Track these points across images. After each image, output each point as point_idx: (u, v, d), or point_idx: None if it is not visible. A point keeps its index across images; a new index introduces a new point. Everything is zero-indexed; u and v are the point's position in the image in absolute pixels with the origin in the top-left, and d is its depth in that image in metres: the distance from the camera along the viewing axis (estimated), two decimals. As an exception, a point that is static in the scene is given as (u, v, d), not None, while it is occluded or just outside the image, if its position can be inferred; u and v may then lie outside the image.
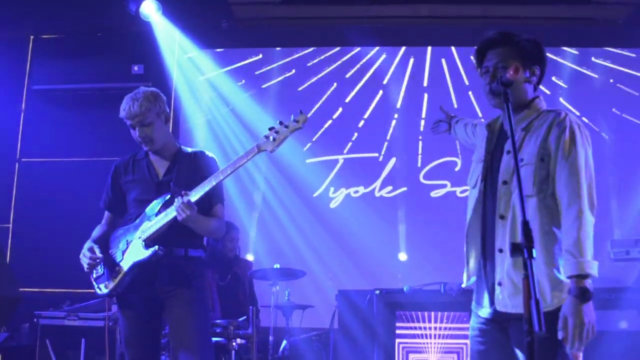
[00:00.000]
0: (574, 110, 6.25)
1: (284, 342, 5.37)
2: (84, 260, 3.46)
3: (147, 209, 3.44)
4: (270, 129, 3.28)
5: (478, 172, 2.77)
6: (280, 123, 3.28)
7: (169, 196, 3.40)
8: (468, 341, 2.82)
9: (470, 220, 2.75)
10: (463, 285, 2.85)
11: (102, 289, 3.48)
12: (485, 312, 2.69)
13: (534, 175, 2.57)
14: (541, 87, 2.83)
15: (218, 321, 5.01)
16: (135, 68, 7.02)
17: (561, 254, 2.51)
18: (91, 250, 3.46)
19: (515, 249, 2.04)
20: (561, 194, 2.54)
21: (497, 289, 2.58)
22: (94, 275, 3.56)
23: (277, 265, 5.40)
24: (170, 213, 3.30)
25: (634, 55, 6.72)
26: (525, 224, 2.06)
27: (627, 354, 4.58)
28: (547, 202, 2.57)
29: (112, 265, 3.47)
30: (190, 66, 7.16)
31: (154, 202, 3.43)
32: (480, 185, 2.73)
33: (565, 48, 6.81)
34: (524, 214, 2.10)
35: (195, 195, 3.27)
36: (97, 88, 7.00)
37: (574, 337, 2.37)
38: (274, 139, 3.26)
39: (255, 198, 6.79)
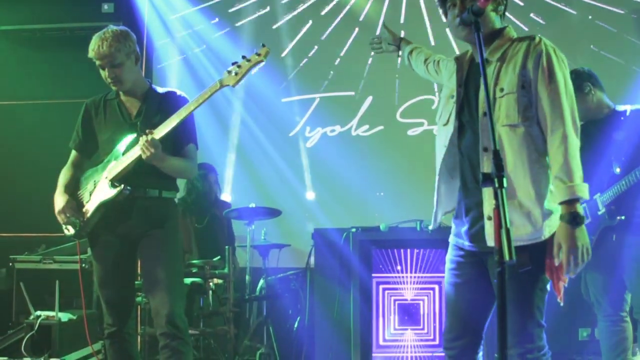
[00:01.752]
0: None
1: (261, 282, 5.39)
2: (62, 217, 3.41)
3: (114, 149, 3.40)
4: (233, 63, 3.24)
5: (450, 108, 2.73)
6: (243, 57, 3.24)
7: (135, 135, 3.34)
8: (445, 276, 2.80)
9: (444, 158, 2.72)
10: (431, 228, 2.85)
11: (70, 230, 3.44)
12: (466, 245, 2.69)
13: (517, 103, 2.54)
14: (519, 23, 2.79)
15: (194, 261, 5.01)
16: (105, 7, 6.86)
17: (549, 183, 2.51)
18: (71, 208, 3.41)
19: (486, 179, 2.02)
20: (543, 120, 2.52)
21: (487, 223, 2.54)
22: None
23: (252, 205, 5.36)
24: (136, 152, 3.25)
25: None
26: (496, 153, 2.04)
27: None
28: (532, 130, 2.54)
29: (79, 207, 3.44)
30: (162, 4, 6.98)
31: (121, 141, 3.39)
32: (455, 122, 2.69)
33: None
34: (494, 144, 2.07)
35: (159, 133, 3.22)
36: (65, 28, 6.84)
37: (569, 262, 2.41)
38: (236, 74, 3.21)
39: (230, 137, 6.71)
